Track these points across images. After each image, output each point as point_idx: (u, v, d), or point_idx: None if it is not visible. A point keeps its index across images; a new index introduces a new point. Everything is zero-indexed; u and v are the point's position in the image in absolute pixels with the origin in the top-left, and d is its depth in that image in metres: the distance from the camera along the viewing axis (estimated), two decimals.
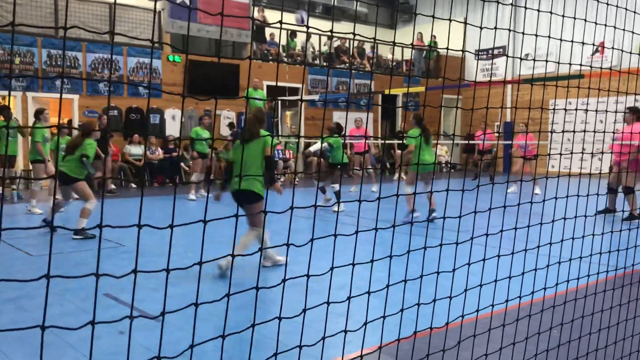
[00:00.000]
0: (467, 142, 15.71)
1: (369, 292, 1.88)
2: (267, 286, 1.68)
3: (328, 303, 1.75)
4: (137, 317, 1.25)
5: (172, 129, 14.53)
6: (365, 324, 1.90)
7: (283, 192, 5.36)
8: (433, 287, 2.09)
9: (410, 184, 8.26)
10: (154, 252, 5.65)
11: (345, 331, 1.83)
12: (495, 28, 1.93)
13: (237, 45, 16.22)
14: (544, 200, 2.32)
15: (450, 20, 1.93)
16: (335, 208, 8.91)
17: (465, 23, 1.90)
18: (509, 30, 1.86)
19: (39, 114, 8.94)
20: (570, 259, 2.70)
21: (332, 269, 1.76)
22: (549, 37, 2.58)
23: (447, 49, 1.95)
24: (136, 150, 13.55)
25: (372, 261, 1.90)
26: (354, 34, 1.78)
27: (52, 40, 12.90)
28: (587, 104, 3.02)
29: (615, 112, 3.35)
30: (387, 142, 18.40)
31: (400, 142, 15.94)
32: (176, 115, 14.71)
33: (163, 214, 8.01)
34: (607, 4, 2.74)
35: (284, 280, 1.61)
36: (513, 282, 2.43)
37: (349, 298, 1.84)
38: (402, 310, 1.99)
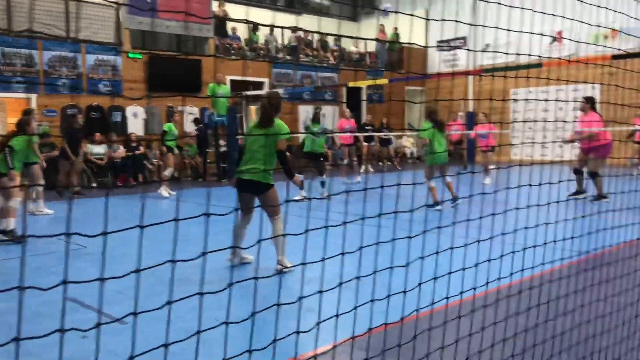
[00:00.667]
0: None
1: (340, 286, 1.86)
2: (239, 280, 1.64)
3: (299, 301, 1.73)
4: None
5: (134, 127, 14.27)
6: (337, 317, 1.88)
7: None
8: (404, 279, 2.09)
9: (428, 177, 8.15)
10: (115, 253, 5.52)
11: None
12: (443, 20, 1.93)
13: (198, 40, 15.97)
14: (495, 191, 2.34)
15: (396, 12, 1.92)
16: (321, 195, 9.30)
17: (413, 15, 1.89)
18: (457, 21, 1.86)
19: (27, 114, 8.74)
20: (533, 246, 2.74)
21: (302, 264, 1.74)
22: (497, 27, 2.60)
23: (398, 42, 1.94)
24: (98, 149, 13.26)
25: (342, 253, 1.88)
26: (304, 28, 1.75)
27: (6, 38, 12.46)
28: (541, 91, 3.06)
29: (566, 100, 3.41)
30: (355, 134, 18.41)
31: (367, 134, 16.00)
32: (138, 113, 14.44)
33: (129, 214, 7.84)
34: None
35: (255, 278, 1.58)
36: (479, 269, 2.45)
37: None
38: (368, 302, 1.98)
